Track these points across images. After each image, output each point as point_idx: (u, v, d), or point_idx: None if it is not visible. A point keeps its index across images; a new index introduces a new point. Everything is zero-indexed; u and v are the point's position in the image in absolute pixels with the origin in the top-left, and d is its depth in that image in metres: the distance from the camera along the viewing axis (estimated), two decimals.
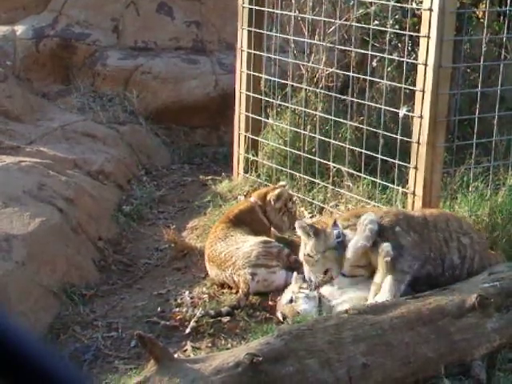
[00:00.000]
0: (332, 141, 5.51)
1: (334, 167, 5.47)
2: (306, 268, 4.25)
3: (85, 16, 7.90)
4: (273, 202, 5.10)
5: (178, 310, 4.43)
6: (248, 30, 5.93)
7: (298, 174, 5.68)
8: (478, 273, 4.09)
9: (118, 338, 4.29)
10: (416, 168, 4.69)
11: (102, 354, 4.14)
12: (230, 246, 4.75)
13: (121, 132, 7.13)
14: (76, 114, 7.20)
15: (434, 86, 4.52)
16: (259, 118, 6.08)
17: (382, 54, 5.37)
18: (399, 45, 5.84)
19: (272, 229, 5.19)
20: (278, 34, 5.93)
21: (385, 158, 5.06)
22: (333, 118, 5.52)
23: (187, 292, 4.68)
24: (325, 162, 5.52)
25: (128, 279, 5.06)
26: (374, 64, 5.90)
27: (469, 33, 5.82)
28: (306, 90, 5.94)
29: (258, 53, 5.96)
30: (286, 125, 6.01)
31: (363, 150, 5.20)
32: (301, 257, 4.29)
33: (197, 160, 7.37)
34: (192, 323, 4.22)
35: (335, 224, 4.20)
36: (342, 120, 5.53)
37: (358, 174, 5.32)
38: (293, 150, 5.77)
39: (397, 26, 5.69)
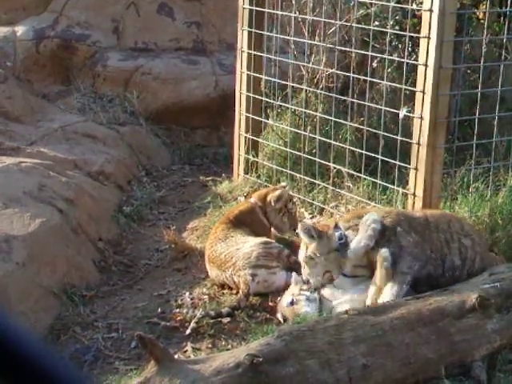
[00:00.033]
0: (332, 142, 5.51)
1: (335, 168, 5.47)
2: (305, 270, 4.25)
3: (85, 17, 7.90)
4: (273, 203, 5.10)
5: (178, 310, 4.43)
6: (248, 31, 5.93)
7: (298, 175, 5.68)
8: (479, 274, 4.09)
9: (119, 338, 4.29)
10: (416, 169, 4.69)
11: (103, 355, 4.14)
12: (230, 247, 4.75)
13: (121, 133, 7.13)
14: (76, 115, 7.20)
15: (434, 87, 4.52)
16: (259, 118, 6.09)
17: (382, 55, 5.37)
18: (399, 46, 5.84)
19: (272, 230, 5.19)
20: (279, 35, 5.93)
21: (385, 158, 5.06)
22: (333, 118, 5.52)
23: (187, 293, 4.69)
24: (325, 162, 5.52)
25: (128, 280, 5.06)
26: (375, 65, 5.91)
27: (469, 34, 5.82)
28: (306, 90, 5.94)
29: (258, 53, 5.96)
30: (287, 126, 6.01)
31: (363, 151, 5.20)
32: (300, 258, 4.29)
33: (197, 161, 7.37)
34: (192, 324, 4.22)
35: (337, 226, 4.20)
36: (342, 121, 5.53)
37: (358, 174, 5.32)
38: (293, 151, 5.77)
39: (397, 27, 5.70)
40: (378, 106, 5.38)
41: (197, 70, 7.68)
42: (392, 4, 5.35)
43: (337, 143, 5.55)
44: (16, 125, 6.64)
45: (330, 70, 5.93)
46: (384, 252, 4.00)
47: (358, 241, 4.10)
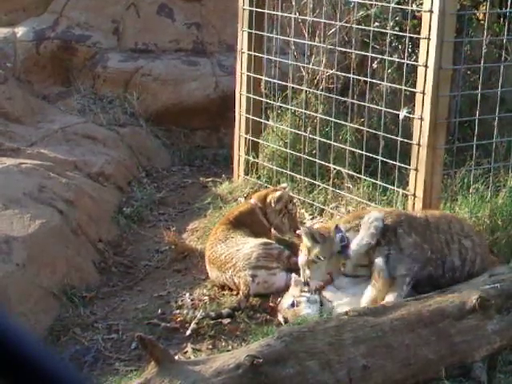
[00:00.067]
0: (332, 143, 5.51)
1: (335, 169, 5.47)
2: (305, 272, 4.25)
3: (85, 18, 7.90)
4: (273, 204, 5.10)
5: (178, 311, 4.43)
6: (248, 32, 5.93)
7: (298, 176, 5.68)
8: (479, 275, 4.09)
9: (119, 339, 4.29)
10: (416, 170, 4.69)
11: (103, 356, 4.14)
12: (230, 248, 4.75)
13: (121, 134, 7.13)
14: (76, 116, 7.20)
15: (434, 88, 4.52)
16: (259, 119, 6.09)
17: (382, 56, 5.37)
18: (399, 46, 5.84)
19: (272, 230, 5.19)
20: (279, 36, 5.93)
21: (385, 159, 5.06)
22: (333, 119, 5.52)
23: (188, 294, 4.68)
24: (325, 163, 5.52)
25: (128, 281, 5.05)
26: (375, 66, 5.91)
27: (469, 34, 5.82)
28: (306, 91, 5.94)
29: (258, 55, 5.96)
30: (287, 127, 6.01)
31: (363, 152, 5.20)
32: (301, 262, 4.28)
33: (197, 162, 7.37)
34: (192, 325, 4.22)
35: (337, 228, 4.20)
36: (342, 122, 5.53)
37: (358, 175, 5.32)
38: (293, 152, 5.77)
39: (397, 28, 5.70)
40: (378, 107, 5.38)
41: (197, 71, 7.68)
42: (392, 5, 5.35)
43: (337, 144, 5.55)
44: (16, 126, 6.64)
45: (330, 71, 5.93)
46: (378, 262, 4.00)
47: (360, 239, 4.10)
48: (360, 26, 5.60)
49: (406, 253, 4.08)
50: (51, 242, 4.84)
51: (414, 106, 4.72)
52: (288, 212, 5.13)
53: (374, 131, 5.28)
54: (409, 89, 4.98)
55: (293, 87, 5.92)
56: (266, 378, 3.19)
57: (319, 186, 5.55)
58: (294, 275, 4.41)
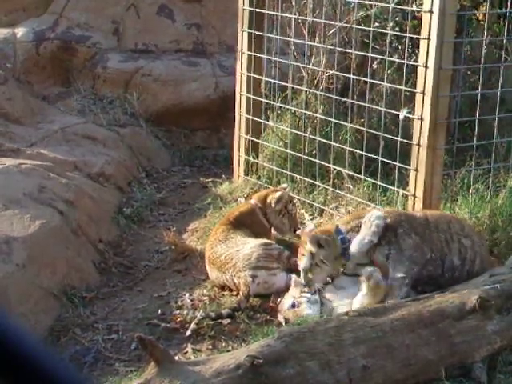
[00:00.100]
0: (332, 143, 5.51)
1: (335, 169, 5.47)
2: (307, 275, 4.25)
3: (85, 18, 7.90)
4: (273, 204, 5.10)
5: (178, 312, 4.43)
6: (248, 33, 5.93)
7: (298, 176, 5.68)
8: (479, 275, 4.09)
9: (119, 340, 4.29)
10: (416, 170, 4.69)
11: (103, 357, 4.14)
12: (230, 248, 4.75)
13: (121, 134, 7.13)
14: (76, 117, 7.20)
15: (434, 88, 4.52)
16: (259, 120, 6.09)
17: (382, 56, 5.37)
18: (399, 47, 5.84)
19: (272, 231, 5.19)
20: (279, 37, 5.93)
21: (385, 160, 5.06)
22: (333, 120, 5.52)
23: (188, 294, 4.68)
24: (325, 164, 5.52)
25: (128, 281, 5.05)
26: (375, 66, 5.91)
27: (469, 35, 5.82)
28: (306, 92, 5.94)
29: (258, 55, 5.96)
30: (287, 127, 6.01)
31: (363, 152, 5.20)
32: (304, 266, 4.26)
33: (197, 162, 7.37)
34: (192, 325, 4.22)
35: (338, 230, 4.21)
36: (342, 122, 5.53)
37: (358, 176, 5.32)
38: (293, 152, 5.77)
39: (397, 28, 5.70)
40: (378, 108, 5.38)
41: (197, 72, 7.68)
42: (392, 5, 5.35)
43: (337, 144, 5.55)
44: (16, 126, 6.64)
45: (330, 72, 5.93)
46: (372, 272, 3.99)
47: (362, 238, 4.10)
48: (360, 27, 5.60)
49: (406, 254, 4.08)
50: (51, 243, 4.84)
51: (414, 106, 4.72)
52: (288, 212, 5.13)
53: (374, 131, 5.28)
54: (409, 89, 4.98)
55: (293, 87, 5.92)
56: (266, 379, 3.19)
57: (319, 186, 5.55)
58: (293, 276, 4.41)
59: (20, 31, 7.80)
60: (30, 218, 4.85)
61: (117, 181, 6.41)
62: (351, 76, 5.50)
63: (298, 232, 5.01)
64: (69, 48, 7.73)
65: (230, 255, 4.70)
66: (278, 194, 5.12)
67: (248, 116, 6.07)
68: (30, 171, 5.48)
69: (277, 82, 6.01)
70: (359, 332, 3.46)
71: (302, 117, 5.84)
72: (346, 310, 3.80)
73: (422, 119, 4.61)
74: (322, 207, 5.47)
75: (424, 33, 4.52)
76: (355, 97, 5.62)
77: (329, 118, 5.58)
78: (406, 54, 4.97)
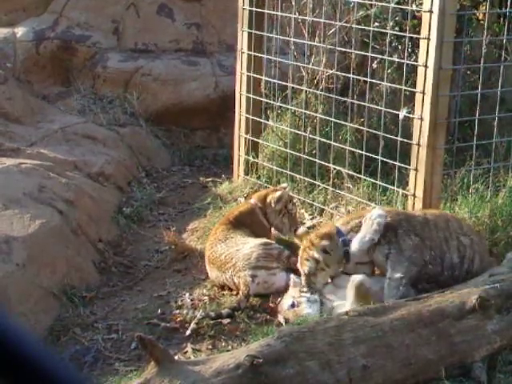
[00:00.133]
0: (332, 143, 5.51)
1: (335, 169, 5.46)
2: (310, 279, 4.26)
3: (85, 18, 7.90)
4: (273, 204, 5.10)
5: (178, 311, 4.43)
6: (248, 32, 5.93)
7: (298, 176, 5.68)
8: (478, 274, 4.09)
9: (119, 339, 4.29)
10: (416, 170, 4.69)
11: (103, 356, 4.14)
12: (230, 248, 4.75)
13: (121, 134, 7.13)
14: (76, 116, 7.20)
15: (434, 88, 4.52)
16: (259, 119, 6.09)
17: (382, 56, 5.37)
18: (399, 47, 5.84)
19: (272, 230, 5.19)
20: (278, 36, 5.93)
21: (385, 159, 5.06)
22: (333, 119, 5.52)
23: (187, 294, 4.68)
24: (325, 163, 5.52)
25: (128, 281, 5.05)
26: (374, 66, 5.91)
27: (469, 34, 5.82)
28: (306, 91, 5.94)
29: (258, 55, 5.96)
30: (287, 127, 6.01)
31: (363, 152, 5.20)
32: (309, 271, 4.26)
33: (197, 162, 7.37)
34: (192, 325, 4.22)
35: (339, 232, 4.21)
36: (342, 122, 5.53)
37: (358, 175, 5.32)
38: (293, 152, 5.77)
39: (397, 28, 5.70)
40: (378, 107, 5.38)
41: (197, 71, 7.68)
42: (392, 5, 5.35)
43: (337, 144, 5.55)
44: (16, 126, 6.64)
45: (330, 71, 5.93)
46: (361, 280, 4.00)
47: (362, 236, 4.11)
48: (360, 26, 5.60)
49: (405, 255, 4.09)
50: (51, 242, 4.84)
51: (414, 105, 4.72)
52: (288, 212, 5.13)
53: (373, 131, 5.28)
54: (409, 89, 4.98)
55: (293, 87, 5.92)
56: (266, 378, 3.19)
57: (319, 186, 5.55)
58: (292, 276, 4.41)
59: (20, 31, 7.79)
60: (30, 217, 4.85)
61: (117, 180, 6.41)
62: (351, 76, 5.50)
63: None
64: (69, 47, 7.73)
65: (229, 255, 4.70)
66: (277, 193, 5.12)
67: (248, 115, 6.07)
68: (30, 171, 5.48)
69: (277, 81, 6.01)
70: (359, 332, 3.46)
71: (302, 116, 5.84)
72: (346, 309, 3.80)
73: (421, 119, 4.61)
74: (321, 207, 5.47)
75: (424, 32, 4.52)
76: (355, 96, 5.62)
77: (329, 118, 5.58)
78: (405, 54, 4.97)
